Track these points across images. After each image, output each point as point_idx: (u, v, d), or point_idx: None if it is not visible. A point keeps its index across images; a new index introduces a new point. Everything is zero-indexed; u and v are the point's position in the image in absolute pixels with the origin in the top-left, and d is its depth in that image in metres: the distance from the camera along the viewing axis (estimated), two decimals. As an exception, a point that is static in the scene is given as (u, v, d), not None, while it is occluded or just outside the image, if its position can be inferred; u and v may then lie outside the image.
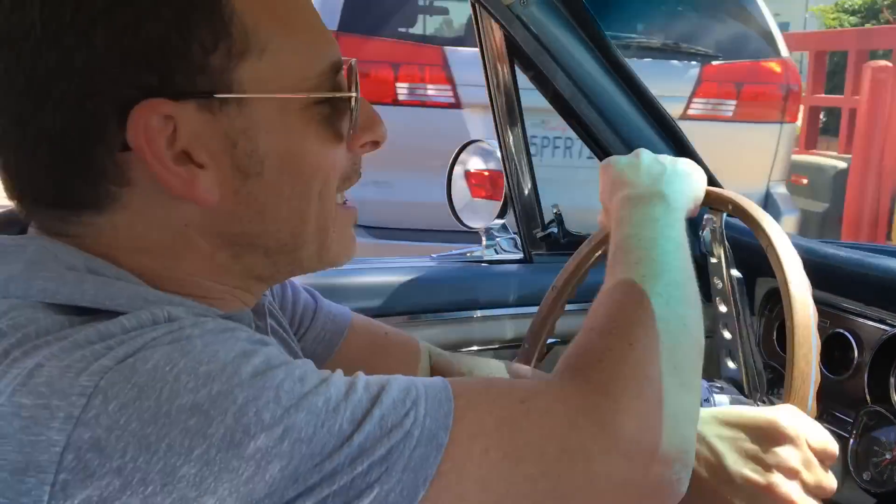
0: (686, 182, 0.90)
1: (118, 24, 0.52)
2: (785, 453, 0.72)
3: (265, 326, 0.73)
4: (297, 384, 0.51)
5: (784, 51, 3.73)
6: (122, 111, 0.54)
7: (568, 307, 1.48)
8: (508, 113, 1.47)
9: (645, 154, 0.93)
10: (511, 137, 1.49)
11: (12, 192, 0.59)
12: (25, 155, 0.56)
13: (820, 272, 1.28)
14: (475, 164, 1.61)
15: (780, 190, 3.81)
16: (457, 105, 3.16)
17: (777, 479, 0.71)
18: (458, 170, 1.62)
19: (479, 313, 1.50)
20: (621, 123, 1.45)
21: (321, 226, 0.64)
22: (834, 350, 1.27)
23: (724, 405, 1.10)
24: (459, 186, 1.63)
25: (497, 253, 1.63)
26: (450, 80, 3.15)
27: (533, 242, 1.57)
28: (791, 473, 0.72)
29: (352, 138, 0.64)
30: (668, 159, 0.93)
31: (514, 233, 1.61)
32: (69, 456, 0.46)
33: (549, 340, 1.33)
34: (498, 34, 1.39)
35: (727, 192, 1.00)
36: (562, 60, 1.38)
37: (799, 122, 4.10)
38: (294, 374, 0.52)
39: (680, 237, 0.79)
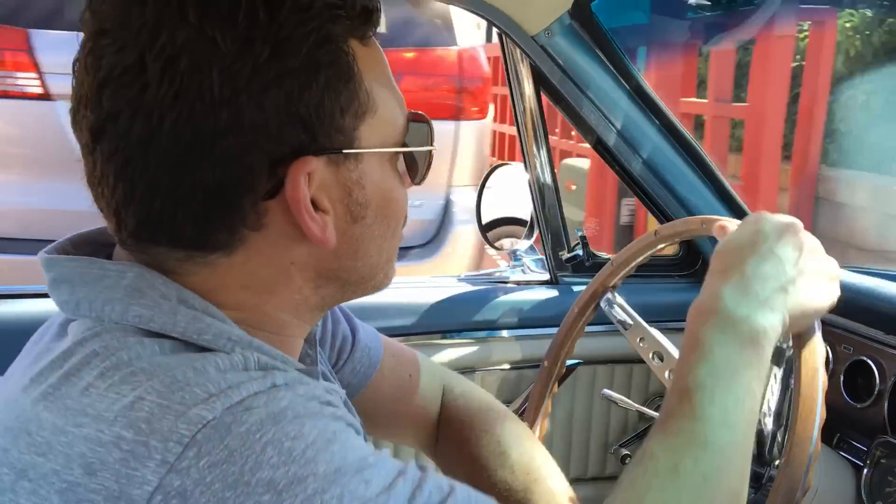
0: (810, 298, 0.78)
1: (286, 90, 0.58)
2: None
3: (315, 355, 0.79)
4: (362, 486, 0.54)
5: (464, 40, 3.22)
6: (275, 165, 0.59)
7: (588, 328, 1.52)
8: (534, 137, 1.51)
9: (771, 239, 0.78)
10: (537, 161, 1.53)
11: (123, 228, 0.62)
12: (174, 201, 0.58)
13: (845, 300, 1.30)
14: (503, 186, 1.65)
15: (458, 197, 3.23)
16: (45, 96, 2.78)
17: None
18: (487, 192, 1.67)
19: (504, 333, 1.53)
20: (648, 151, 1.48)
21: (390, 257, 0.71)
22: (857, 377, 1.28)
23: None
24: (488, 207, 1.67)
25: (524, 273, 1.66)
26: (36, 67, 2.77)
27: (559, 264, 1.60)
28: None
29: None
30: (795, 258, 0.78)
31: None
32: (157, 497, 0.50)
33: (570, 362, 1.36)
34: (524, 62, 1.43)
35: (693, 217, 1.01)
36: (587, 90, 1.41)
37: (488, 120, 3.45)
38: (363, 474, 0.55)
39: (760, 391, 0.73)
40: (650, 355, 1.14)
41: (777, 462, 1.02)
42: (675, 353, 1.11)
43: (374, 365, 0.96)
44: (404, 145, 0.68)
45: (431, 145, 0.71)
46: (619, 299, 1.19)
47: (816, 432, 0.80)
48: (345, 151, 0.62)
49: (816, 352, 0.82)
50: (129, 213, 0.60)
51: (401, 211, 0.70)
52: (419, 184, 0.72)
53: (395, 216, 0.69)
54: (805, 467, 0.78)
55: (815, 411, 0.80)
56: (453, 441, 1.00)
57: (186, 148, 0.57)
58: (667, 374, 1.12)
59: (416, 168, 0.70)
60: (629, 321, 1.18)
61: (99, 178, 0.60)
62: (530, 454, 0.96)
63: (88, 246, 0.68)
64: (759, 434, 1.02)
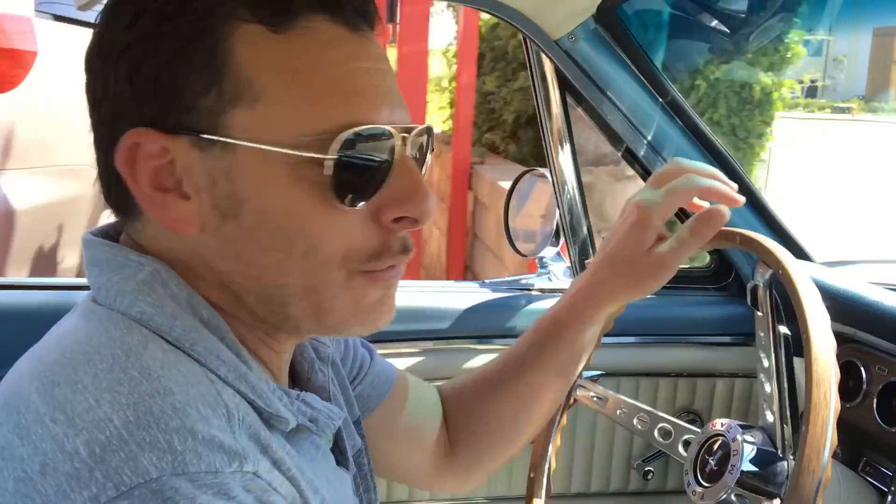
0: None
1: (132, 61, 0.60)
2: None
3: (328, 373, 0.79)
4: None
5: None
6: (115, 138, 0.61)
7: (614, 340, 1.49)
8: (559, 143, 1.48)
9: None
10: (563, 167, 1.50)
11: None
12: (101, 164, 0.65)
13: (870, 317, 1.24)
14: (530, 192, 1.63)
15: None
16: None
17: None
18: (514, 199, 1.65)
19: (525, 341, 1.51)
20: (674, 156, 1.44)
21: (310, 286, 0.63)
22: (892, 399, 1.22)
23: (752, 447, 1.08)
24: (515, 214, 1.65)
25: (550, 281, 1.64)
26: None
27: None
28: None
29: (381, 210, 0.63)
30: None
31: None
32: None
33: (590, 373, 1.33)
34: (548, 66, 1.41)
35: (731, 228, 0.98)
36: (613, 95, 1.38)
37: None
38: None
39: None
40: (633, 421, 1.10)
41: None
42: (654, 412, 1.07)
43: (391, 380, 0.99)
44: (310, 153, 0.59)
45: (374, 160, 0.62)
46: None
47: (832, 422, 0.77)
48: (204, 136, 0.59)
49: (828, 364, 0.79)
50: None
51: (305, 229, 0.61)
52: (404, 224, 0.64)
53: (294, 232, 0.61)
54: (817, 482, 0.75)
55: (828, 401, 0.77)
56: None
57: (92, 109, 0.64)
58: (655, 432, 1.08)
59: (347, 187, 0.61)
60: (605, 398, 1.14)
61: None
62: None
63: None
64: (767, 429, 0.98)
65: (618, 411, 1.12)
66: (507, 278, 1.64)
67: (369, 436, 0.91)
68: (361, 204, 0.62)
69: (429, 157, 0.69)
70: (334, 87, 0.60)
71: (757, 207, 1.45)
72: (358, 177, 0.61)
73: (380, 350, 1.43)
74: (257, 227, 0.61)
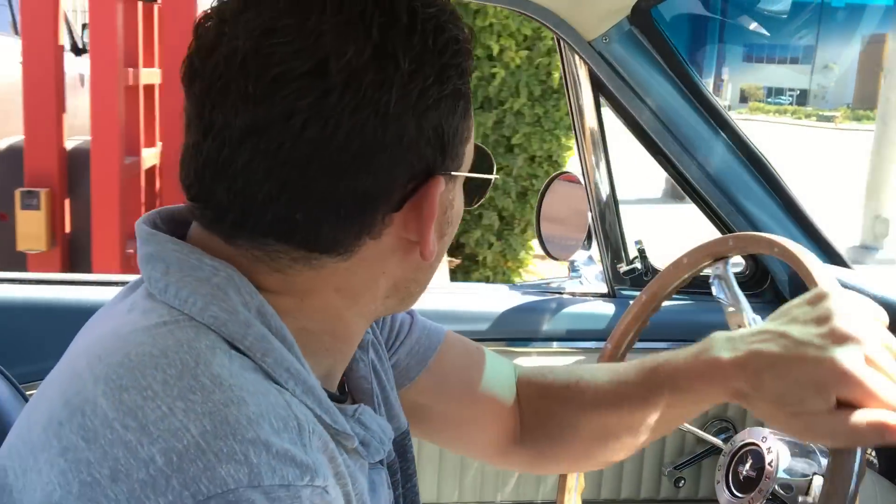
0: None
1: (441, 113, 0.62)
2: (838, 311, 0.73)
3: (368, 361, 0.79)
4: None
5: None
6: (412, 180, 0.63)
7: (646, 345, 1.47)
8: (593, 146, 1.47)
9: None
10: (596, 171, 1.49)
11: (243, 220, 0.61)
12: (322, 205, 0.60)
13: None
14: (564, 195, 1.62)
15: None
16: None
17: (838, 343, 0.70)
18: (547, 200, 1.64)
19: (555, 345, 1.50)
20: (712, 161, 1.43)
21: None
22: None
23: (786, 457, 1.06)
24: (547, 217, 1.64)
25: (581, 285, 1.62)
26: None
27: (616, 277, 1.55)
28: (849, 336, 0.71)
29: None
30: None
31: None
32: None
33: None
34: (582, 68, 1.40)
35: (770, 235, 0.96)
36: (647, 97, 1.37)
37: None
38: None
39: None
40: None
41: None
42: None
43: (433, 346, 0.94)
44: (484, 173, 0.73)
45: (492, 174, 0.76)
46: (730, 273, 1.10)
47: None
48: (453, 173, 0.66)
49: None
50: (266, 209, 0.60)
51: (455, 231, 0.73)
52: (470, 207, 0.76)
53: (455, 229, 0.72)
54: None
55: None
56: (541, 407, 0.98)
57: (351, 157, 0.59)
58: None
59: (477, 193, 0.75)
60: (730, 303, 1.08)
61: (237, 169, 0.59)
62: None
63: (171, 222, 0.69)
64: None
65: None
66: (538, 281, 1.64)
67: (422, 398, 0.91)
68: None
69: None
70: None
71: (794, 213, 1.43)
72: (484, 186, 0.76)
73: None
74: (447, 239, 0.70)
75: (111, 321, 0.64)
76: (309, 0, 0.58)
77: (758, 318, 1.05)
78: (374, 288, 0.67)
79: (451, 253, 5.30)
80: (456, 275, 5.27)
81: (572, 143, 5.16)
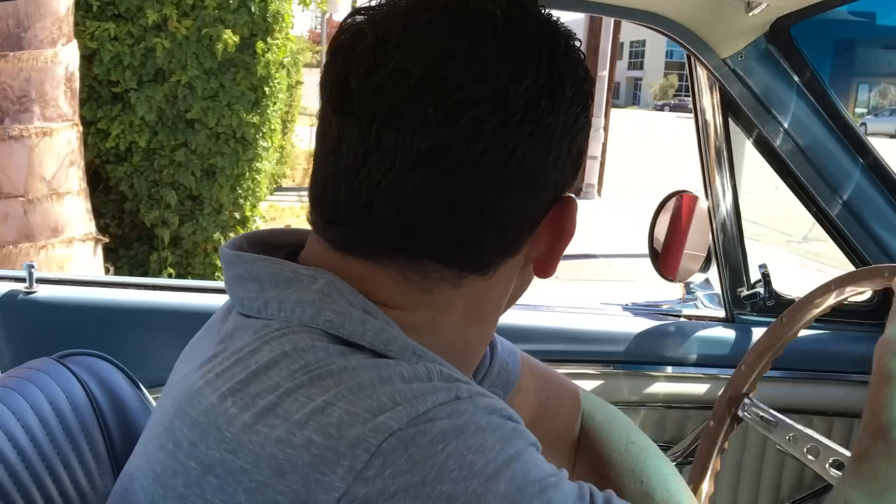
0: None
1: (583, 137, 0.64)
2: None
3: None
4: None
5: None
6: (553, 201, 0.64)
7: (771, 373, 1.41)
8: (718, 166, 1.42)
9: None
10: (720, 190, 1.44)
11: (391, 239, 0.61)
12: (487, 225, 0.61)
13: None
14: (681, 214, 1.57)
15: None
16: None
17: None
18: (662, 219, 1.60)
19: (670, 369, 1.46)
20: (848, 189, 1.36)
21: None
22: None
23: None
24: (661, 235, 1.60)
25: (697, 308, 1.58)
26: None
27: (736, 301, 1.50)
28: None
29: None
30: None
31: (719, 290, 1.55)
32: (343, 503, 0.51)
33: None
34: (714, 85, 1.35)
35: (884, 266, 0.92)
36: (782, 119, 1.32)
37: None
38: (545, 495, 0.54)
39: None
40: (803, 450, 1.05)
41: None
42: (830, 444, 1.03)
43: (511, 382, 0.92)
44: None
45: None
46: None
47: None
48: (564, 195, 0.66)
49: None
50: (433, 230, 0.60)
51: None
52: None
53: None
54: None
55: None
56: (591, 473, 0.94)
57: (521, 179, 0.60)
58: (827, 465, 1.03)
59: None
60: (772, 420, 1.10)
61: (407, 190, 0.58)
62: (676, 499, 0.89)
63: (260, 245, 0.68)
64: None
65: (787, 436, 1.07)
66: (650, 302, 1.59)
67: None
68: None
69: None
70: None
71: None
72: None
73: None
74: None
75: (207, 343, 0.65)
76: (477, 26, 0.58)
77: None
78: (498, 309, 0.67)
79: (121, 230, 5.00)
80: (118, 252, 4.94)
81: (257, 118, 4.87)
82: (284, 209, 8.86)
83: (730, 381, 1.17)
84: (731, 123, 1.38)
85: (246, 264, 0.64)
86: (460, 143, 0.57)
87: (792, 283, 1.67)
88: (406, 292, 0.62)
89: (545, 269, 0.66)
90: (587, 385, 1.41)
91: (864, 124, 25.29)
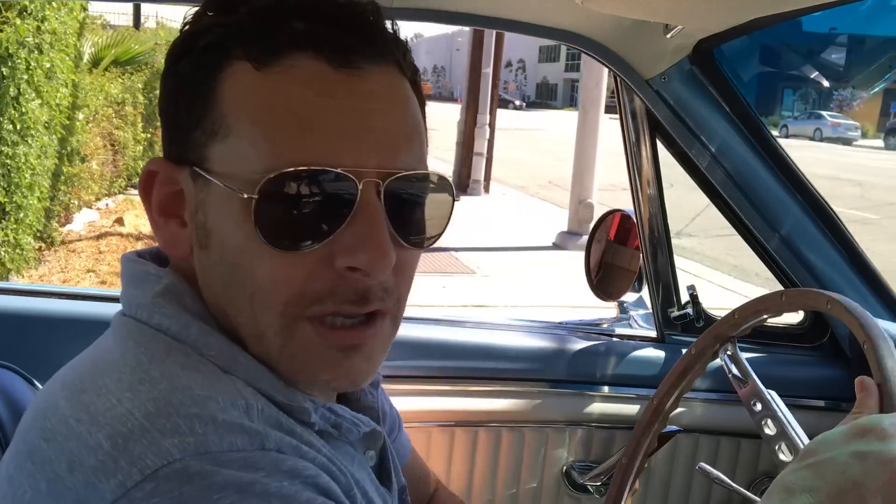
0: None
1: (161, 98, 0.65)
2: None
3: (378, 395, 0.81)
4: None
5: None
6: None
7: (693, 394, 1.41)
8: (647, 186, 1.43)
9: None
10: (649, 211, 1.44)
11: None
12: None
13: None
14: (615, 234, 1.57)
15: None
16: None
17: None
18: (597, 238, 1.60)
19: (601, 389, 1.45)
20: (774, 209, 1.37)
21: (258, 332, 0.62)
22: None
23: None
24: (597, 254, 1.60)
25: (631, 328, 1.57)
26: None
27: (667, 322, 1.50)
28: None
29: (333, 255, 0.60)
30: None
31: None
32: None
33: (667, 429, 1.27)
34: (640, 106, 1.36)
35: (821, 291, 0.93)
36: (706, 139, 1.32)
37: None
38: None
39: None
40: (763, 421, 1.05)
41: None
42: (793, 424, 1.04)
43: (406, 455, 0.98)
44: (260, 193, 0.57)
45: (304, 207, 0.59)
46: (740, 353, 1.11)
47: None
48: (195, 168, 0.61)
49: None
50: None
51: (251, 270, 0.60)
52: (278, 247, 0.59)
53: (244, 271, 0.60)
54: None
55: None
56: None
57: None
58: (778, 446, 1.03)
59: (288, 228, 0.59)
60: (744, 379, 1.09)
61: None
62: None
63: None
64: None
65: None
66: (585, 320, 1.59)
67: None
68: (308, 246, 0.59)
69: (430, 203, 0.64)
70: (292, 125, 0.58)
71: (858, 264, 1.36)
72: (300, 219, 0.59)
73: (447, 387, 1.42)
74: (221, 259, 0.61)
75: (95, 343, 0.68)
76: None
77: (773, 393, 1.05)
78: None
79: None
80: None
81: (32, 125, 4.66)
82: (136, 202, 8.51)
83: (643, 414, 1.18)
84: (659, 144, 1.38)
85: (124, 265, 0.69)
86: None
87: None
88: None
89: (157, 239, 0.67)
90: (514, 404, 1.40)
91: (785, 126, 25.77)
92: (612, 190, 8.99)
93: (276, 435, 0.56)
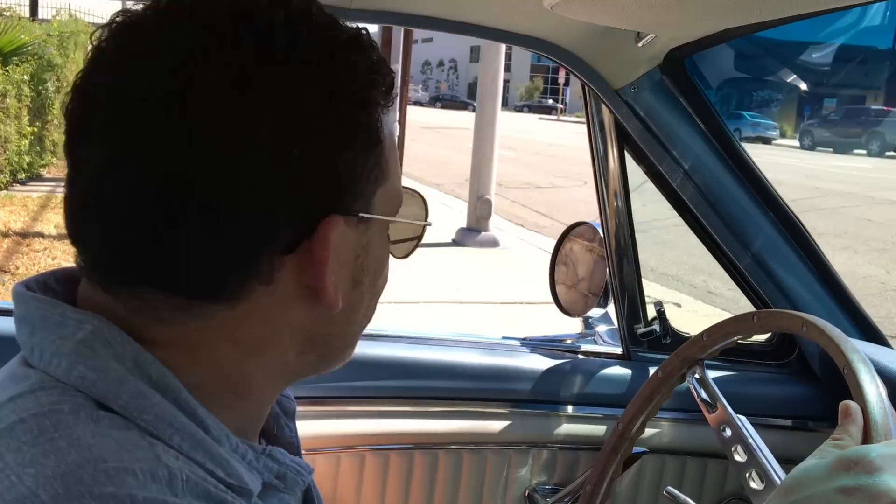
0: None
1: (330, 145, 0.57)
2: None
3: (294, 428, 0.74)
4: None
5: None
6: (301, 219, 0.57)
7: (659, 414, 1.37)
8: (615, 198, 1.38)
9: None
10: (616, 224, 1.40)
11: (112, 268, 0.56)
12: (171, 239, 0.54)
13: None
14: (581, 247, 1.53)
15: None
16: None
17: None
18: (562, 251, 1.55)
19: (564, 409, 1.40)
20: (743, 225, 1.33)
21: (351, 342, 0.67)
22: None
23: None
24: (562, 268, 1.55)
25: (596, 344, 1.53)
26: None
27: (633, 338, 1.45)
28: None
29: None
30: None
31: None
32: None
33: (636, 450, 1.23)
34: (608, 116, 1.31)
35: (795, 313, 0.90)
36: (676, 151, 1.28)
37: None
38: None
39: None
40: (733, 447, 1.01)
41: None
42: (763, 450, 1.01)
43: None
44: (412, 220, 0.70)
45: (426, 221, 0.72)
46: (708, 376, 1.07)
47: None
48: (361, 215, 0.61)
49: None
50: (131, 250, 0.54)
51: (385, 281, 0.68)
52: (402, 258, 0.72)
53: (384, 282, 0.68)
54: None
55: None
56: None
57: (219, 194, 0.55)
58: (748, 474, 0.99)
59: (405, 241, 0.70)
60: (713, 404, 1.06)
61: (102, 205, 0.54)
62: None
63: (68, 283, 0.62)
64: None
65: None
66: (550, 336, 1.54)
67: None
68: None
69: None
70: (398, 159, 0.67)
71: (830, 284, 1.33)
72: (413, 234, 0.73)
73: (406, 407, 1.36)
74: (370, 287, 0.65)
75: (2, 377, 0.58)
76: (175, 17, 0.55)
77: (742, 418, 1.03)
78: (280, 341, 0.60)
79: None
80: None
81: None
82: (26, 199, 8.16)
83: (611, 433, 1.14)
84: (627, 155, 1.34)
85: (23, 304, 0.58)
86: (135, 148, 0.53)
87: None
88: (145, 325, 0.56)
89: (325, 303, 0.59)
90: (476, 425, 1.34)
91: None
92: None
93: None
